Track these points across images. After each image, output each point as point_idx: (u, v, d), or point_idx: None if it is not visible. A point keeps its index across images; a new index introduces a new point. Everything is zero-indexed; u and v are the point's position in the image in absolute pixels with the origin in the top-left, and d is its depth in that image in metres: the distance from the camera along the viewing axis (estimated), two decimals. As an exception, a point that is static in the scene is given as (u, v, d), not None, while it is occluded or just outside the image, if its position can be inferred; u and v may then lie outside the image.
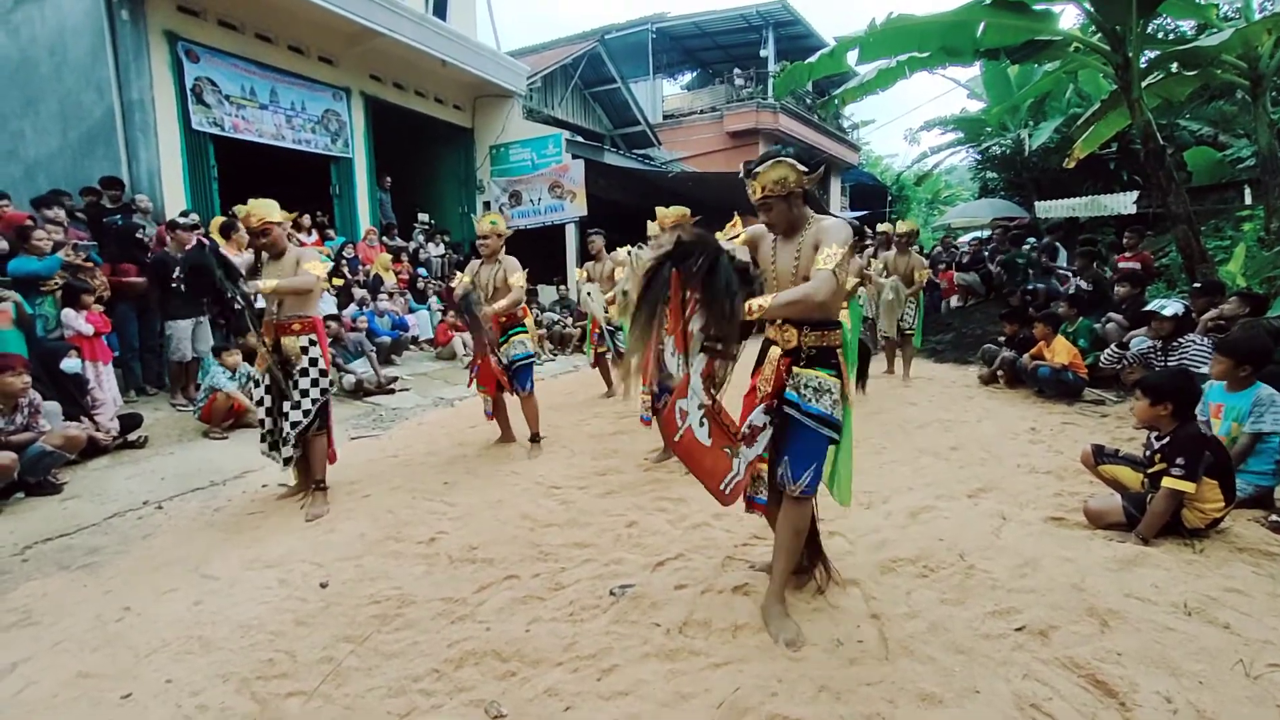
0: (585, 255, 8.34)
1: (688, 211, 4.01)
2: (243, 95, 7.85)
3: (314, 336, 3.50)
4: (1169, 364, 4.61)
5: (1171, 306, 4.78)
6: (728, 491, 2.13)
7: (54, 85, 7.68)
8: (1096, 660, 1.92)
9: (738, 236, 2.34)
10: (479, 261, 4.39)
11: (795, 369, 2.15)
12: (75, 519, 3.54)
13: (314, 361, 3.48)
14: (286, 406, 3.43)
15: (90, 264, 5.21)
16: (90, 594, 2.69)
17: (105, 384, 4.92)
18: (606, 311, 5.52)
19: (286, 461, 3.52)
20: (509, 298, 4.19)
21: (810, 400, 2.11)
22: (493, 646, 2.12)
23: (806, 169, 2.08)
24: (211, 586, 2.68)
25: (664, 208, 4.09)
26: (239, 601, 2.53)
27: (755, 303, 1.93)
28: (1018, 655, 1.98)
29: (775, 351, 2.20)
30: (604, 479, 3.86)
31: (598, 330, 6.04)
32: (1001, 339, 6.64)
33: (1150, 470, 2.84)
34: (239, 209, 3.43)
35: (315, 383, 3.47)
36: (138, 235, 5.80)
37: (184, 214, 6.40)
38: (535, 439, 4.51)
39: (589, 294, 5.71)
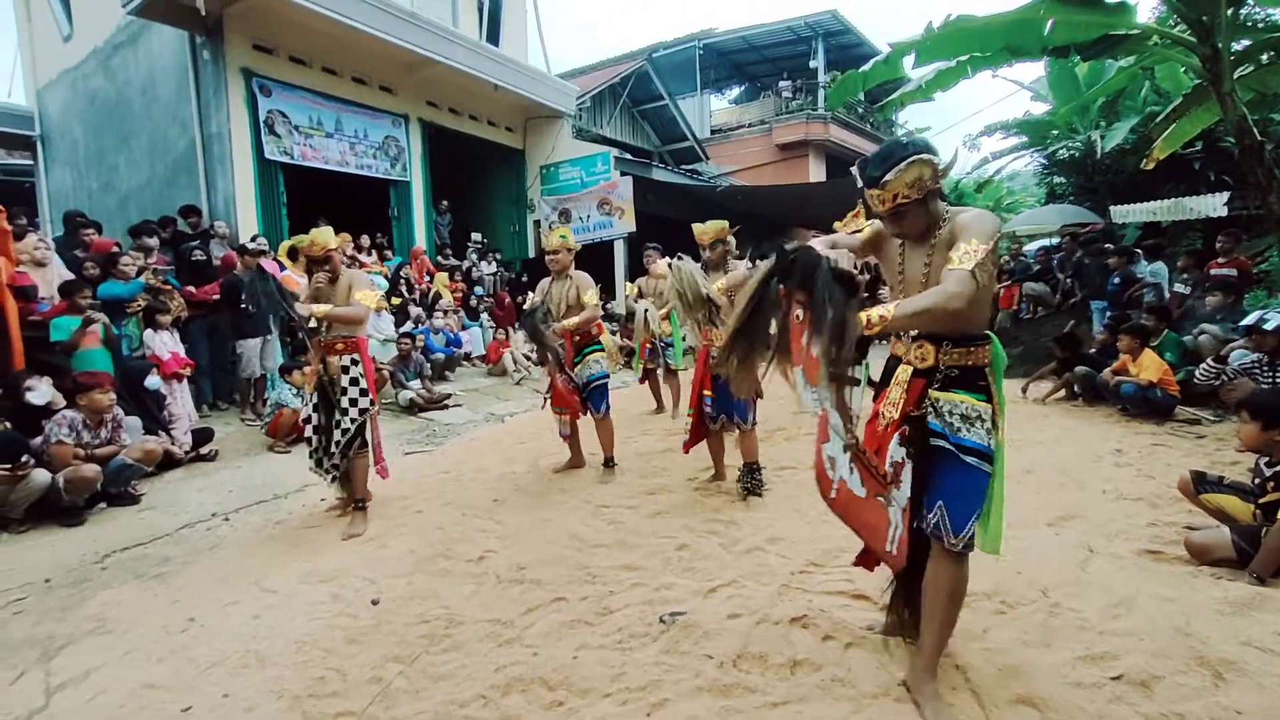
0: (636, 270, 8.34)
1: (726, 225, 3.80)
2: (310, 125, 8.28)
3: (356, 356, 3.55)
4: (1278, 381, 4.18)
5: (1275, 319, 4.34)
6: (894, 551, 1.81)
7: (144, 122, 8.32)
8: (1211, 719, 1.69)
9: (859, 231, 1.94)
10: (549, 279, 4.24)
11: (932, 392, 1.79)
12: (151, 529, 3.72)
13: (354, 381, 3.52)
14: (334, 423, 3.52)
15: (169, 287, 5.54)
16: (160, 604, 2.79)
17: (181, 400, 5.19)
18: (656, 326, 5.43)
19: (332, 478, 3.65)
20: (583, 314, 4.02)
21: (960, 431, 1.75)
22: (540, 673, 2.07)
23: (940, 160, 1.70)
24: (269, 600, 2.74)
25: (700, 223, 3.82)
26: (294, 616, 2.58)
27: (875, 313, 1.57)
28: (1115, 709, 1.77)
29: (904, 371, 1.84)
30: (653, 498, 3.78)
31: (649, 345, 5.97)
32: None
33: (1263, 500, 2.55)
34: (301, 239, 3.54)
35: (354, 402, 3.52)
36: (193, 258, 6.10)
37: (254, 239, 6.76)
38: (609, 463, 4.26)
39: (646, 310, 5.62)
